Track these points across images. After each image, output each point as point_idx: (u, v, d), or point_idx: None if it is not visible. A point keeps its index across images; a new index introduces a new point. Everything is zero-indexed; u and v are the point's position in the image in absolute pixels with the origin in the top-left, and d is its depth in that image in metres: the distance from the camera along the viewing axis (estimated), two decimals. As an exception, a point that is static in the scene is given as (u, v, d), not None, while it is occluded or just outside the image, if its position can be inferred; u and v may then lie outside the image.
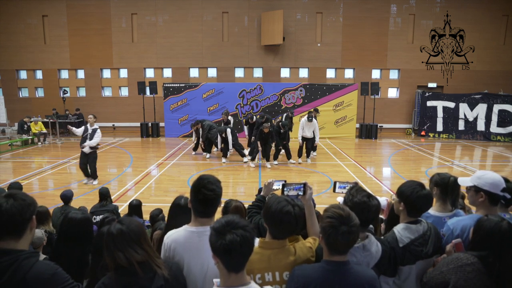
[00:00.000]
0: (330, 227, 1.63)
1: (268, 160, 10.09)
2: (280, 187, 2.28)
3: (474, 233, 1.88)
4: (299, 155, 10.50)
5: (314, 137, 10.39)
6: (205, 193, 1.87)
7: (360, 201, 1.89)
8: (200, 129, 11.28)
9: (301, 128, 10.25)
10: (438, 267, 1.89)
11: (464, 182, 2.31)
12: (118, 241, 1.62)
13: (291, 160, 10.42)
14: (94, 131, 8.10)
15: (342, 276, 1.66)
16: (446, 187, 2.41)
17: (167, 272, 1.68)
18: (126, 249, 1.62)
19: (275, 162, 10.25)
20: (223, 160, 10.60)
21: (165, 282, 1.66)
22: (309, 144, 10.45)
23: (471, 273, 1.73)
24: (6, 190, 4.69)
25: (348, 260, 1.71)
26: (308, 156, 10.69)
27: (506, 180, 2.26)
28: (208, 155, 11.22)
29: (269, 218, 1.83)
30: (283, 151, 10.63)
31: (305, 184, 2.23)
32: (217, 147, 10.69)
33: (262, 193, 2.57)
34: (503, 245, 1.75)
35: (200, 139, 11.41)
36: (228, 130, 10.29)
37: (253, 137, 10.29)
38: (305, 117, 10.34)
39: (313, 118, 10.18)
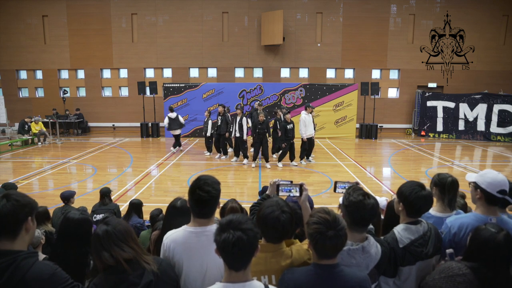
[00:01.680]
0: (317, 233, 1.62)
1: (267, 160, 9.96)
2: None
3: (470, 242, 1.86)
4: (302, 156, 10.25)
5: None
6: (199, 194, 1.88)
7: (355, 200, 1.88)
8: (220, 116, 10.76)
9: (303, 125, 9.84)
10: (432, 274, 1.88)
11: (470, 177, 2.31)
12: (104, 241, 1.65)
13: (293, 162, 10.12)
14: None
15: (332, 279, 1.66)
16: (444, 187, 2.42)
17: (156, 267, 1.70)
18: (112, 248, 1.65)
19: (280, 165, 9.98)
20: (235, 159, 10.59)
21: (155, 277, 1.68)
22: (312, 143, 10.31)
23: (461, 284, 1.71)
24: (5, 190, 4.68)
25: (338, 262, 1.70)
26: (309, 156, 10.59)
27: None
28: (224, 157, 11.04)
29: (258, 221, 1.85)
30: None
31: (301, 186, 2.21)
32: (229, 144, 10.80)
33: (267, 192, 2.57)
34: (497, 257, 1.72)
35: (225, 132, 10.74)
36: (244, 119, 10.11)
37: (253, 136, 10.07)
38: (306, 112, 9.98)
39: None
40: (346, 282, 1.66)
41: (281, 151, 10.06)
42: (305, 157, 10.44)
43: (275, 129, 10.53)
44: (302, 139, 10.00)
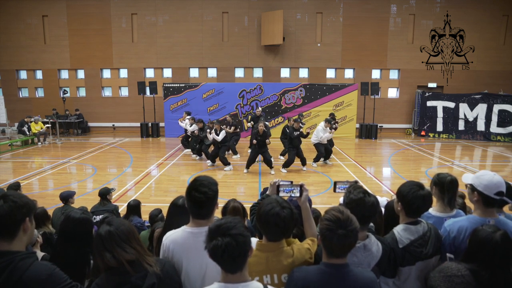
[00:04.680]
0: (326, 230, 1.63)
1: (271, 166, 9.30)
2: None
3: (469, 243, 1.87)
4: (317, 159, 10.04)
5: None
6: (195, 195, 1.88)
7: (356, 197, 1.91)
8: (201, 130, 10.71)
9: (316, 134, 9.82)
10: (433, 272, 1.89)
11: (467, 178, 2.31)
12: (106, 242, 1.65)
13: (303, 168, 9.63)
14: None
15: (341, 279, 1.66)
16: (443, 186, 2.42)
17: (159, 269, 1.69)
18: (114, 249, 1.64)
19: (284, 171, 9.40)
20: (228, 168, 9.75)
21: (157, 279, 1.67)
22: (328, 148, 10.17)
23: (459, 285, 1.72)
24: (6, 190, 4.69)
25: (347, 262, 1.70)
26: (326, 159, 10.36)
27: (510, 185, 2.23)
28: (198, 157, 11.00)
29: (258, 220, 1.85)
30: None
31: (301, 186, 2.22)
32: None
33: (267, 192, 2.57)
34: (494, 257, 1.73)
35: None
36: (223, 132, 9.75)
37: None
38: (324, 124, 9.90)
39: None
40: (355, 282, 1.67)
41: (287, 159, 9.62)
42: (319, 160, 10.16)
43: (284, 133, 10.21)
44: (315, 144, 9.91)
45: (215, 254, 1.46)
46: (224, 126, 10.58)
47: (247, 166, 9.39)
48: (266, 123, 10.96)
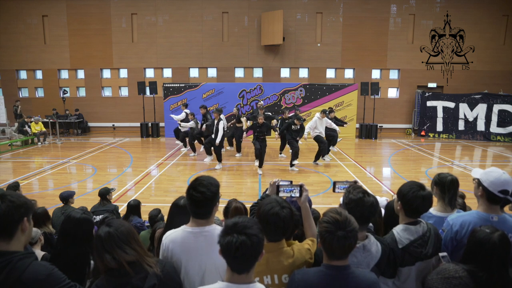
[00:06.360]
0: (325, 232, 1.63)
1: (261, 165, 9.20)
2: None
3: (467, 243, 1.87)
4: (319, 156, 9.98)
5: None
6: (193, 194, 1.88)
7: (355, 198, 1.91)
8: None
9: (310, 126, 9.71)
10: (431, 274, 1.89)
11: (476, 173, 2.32)
12: (106, 243, 1.64)
13: (293, 168, 9.44)
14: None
15: (343, 281, 1.66)
16: (444, 185, 2.42)
17: (159, 270, 1.69)
18: (114, 250, 1.63)
19: (295, 168, 9.38)
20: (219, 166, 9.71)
21: (158, 280, 1.66)
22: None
23: (457, 286, 1.72)
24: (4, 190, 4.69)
25: (348, 264, 1.70)
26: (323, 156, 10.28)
27: None
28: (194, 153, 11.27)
29: (258, 220, 1.84)
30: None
31: (301, 186, 2.22)
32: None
33: (267, 192, 2.57)
34: (492, 258, 1.73)
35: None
36: (221, 123, 9.62)
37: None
38: (319, 115, 9.82)
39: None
40: (357, 284, 1.66)
41: (291, 153, 9.57)
42: (321, 157, 10.10)
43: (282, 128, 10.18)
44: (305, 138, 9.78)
45: (228, 250, 1.45)
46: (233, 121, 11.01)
47: (260, 162, 9.19)
48: (269, 113, 11.18)
